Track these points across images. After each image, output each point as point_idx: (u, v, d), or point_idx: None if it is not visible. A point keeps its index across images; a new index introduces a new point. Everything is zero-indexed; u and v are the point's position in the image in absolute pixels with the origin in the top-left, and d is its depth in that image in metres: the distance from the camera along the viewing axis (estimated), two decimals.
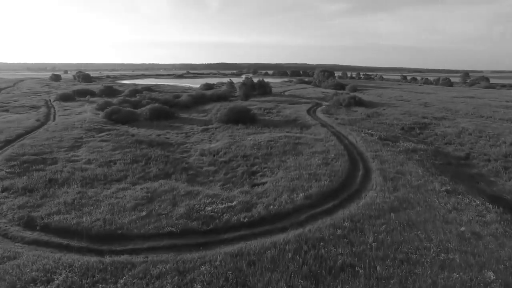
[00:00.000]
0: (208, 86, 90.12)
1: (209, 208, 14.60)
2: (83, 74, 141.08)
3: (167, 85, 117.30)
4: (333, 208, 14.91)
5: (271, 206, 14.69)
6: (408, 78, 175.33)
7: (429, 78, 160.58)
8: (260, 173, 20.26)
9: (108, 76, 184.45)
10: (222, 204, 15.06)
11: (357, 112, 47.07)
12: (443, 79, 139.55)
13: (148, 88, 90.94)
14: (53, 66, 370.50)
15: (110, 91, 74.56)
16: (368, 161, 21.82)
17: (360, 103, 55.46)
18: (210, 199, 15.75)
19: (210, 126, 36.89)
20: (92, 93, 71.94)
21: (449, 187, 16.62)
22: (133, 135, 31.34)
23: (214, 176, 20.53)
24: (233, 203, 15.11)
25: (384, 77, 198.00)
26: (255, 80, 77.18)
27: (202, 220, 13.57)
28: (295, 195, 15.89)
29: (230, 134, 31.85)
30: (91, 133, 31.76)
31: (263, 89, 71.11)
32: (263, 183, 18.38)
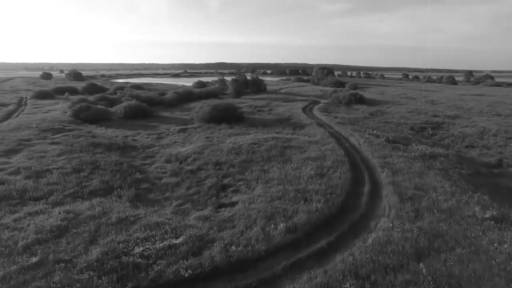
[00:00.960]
0: (201, 84, 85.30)
1: (139, 250, 9.57)
2: (75, 73, 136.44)
3: (160, 83, 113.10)
4: (328, 249, 9.85)
5: (233, 247, 9.65)
6: (410, 76, 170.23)
7: (431, 76, 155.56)
8: (233, 188, 15.23)
9: (103, 75, 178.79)
10: (163, 241, 10.04)
11: (359, 110, 42.06)
12: (447, 77, 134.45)
13: (137, 86, 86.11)
14: (51, 66, 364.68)
15: (94, 89, 69.53)
16: (375, 171, 16.79)
17: (361, 100, 50.49)
18: (148, 231, 10.73)
19: (189, 126, 31.88)
20: (74, 91, 67.19)
21: (495, 212, 11.59)
22: (94, 137, 26.36)
23: (173, 191, 15.53)
24: (179, 240, 10.09)
25: (385, 75, 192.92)
26: (250, 77, 72.26)
27: (118, 273, 8.53)
28: (272, 226, 10.84)
29: (208, 135, 26.85)
30: (45, 134, 26.75)
31: (257, 87, 66.07)
32: (233, 204, 13.37)
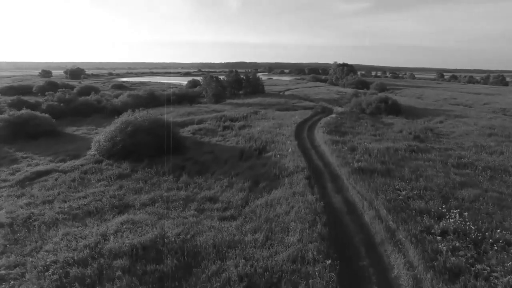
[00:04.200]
0: (194, 83, 71.78)
1: None
2: (72, 71, 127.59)
3: (158, 82, 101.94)
4: None
5: None
6: (446, 76, 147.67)
7: (473, 76, 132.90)
8: None
9: (110, 74, 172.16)
10: None
11: (393, 127, 25.23)
12: (495, 77, 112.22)
13: (120, 86, 73.73)
14: (73, 65, 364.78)
15: (52, 88, 56.40)
16: None
17: (395, 109, 33.41)
18: None
19: (67, 164, 16.66)
20: (26, 91, 54.86)
21: None
22: None
23: None
24: None
25: (415, 76, 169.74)
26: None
27: None
28: None
29: (44, 207, 11.37)
30: None
31: (252, 87, 50.07)
32: None
